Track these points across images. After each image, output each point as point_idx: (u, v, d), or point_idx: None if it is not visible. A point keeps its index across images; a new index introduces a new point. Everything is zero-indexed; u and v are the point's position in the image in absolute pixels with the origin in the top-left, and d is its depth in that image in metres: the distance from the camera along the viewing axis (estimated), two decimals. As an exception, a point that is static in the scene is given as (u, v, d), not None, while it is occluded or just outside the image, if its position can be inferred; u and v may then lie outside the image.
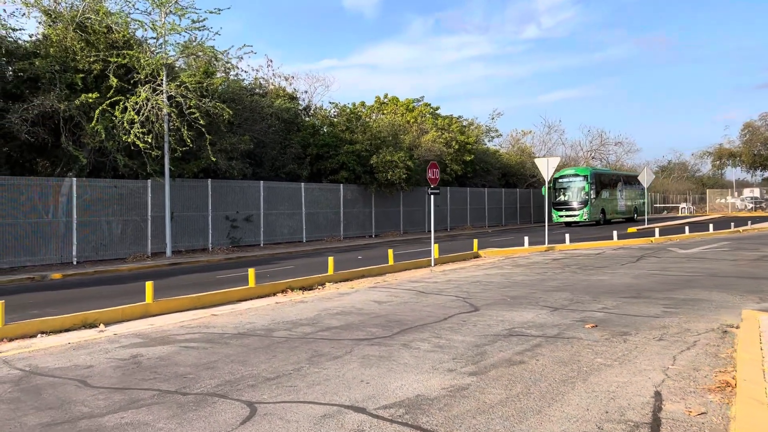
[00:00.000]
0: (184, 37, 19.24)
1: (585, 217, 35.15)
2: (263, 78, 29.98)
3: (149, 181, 19.62)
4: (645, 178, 32.04)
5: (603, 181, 37.74)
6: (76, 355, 6.72)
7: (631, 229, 29.52)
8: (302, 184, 26.20)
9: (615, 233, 22.23)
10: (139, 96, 17.86)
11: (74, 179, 17.92)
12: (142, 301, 9.78)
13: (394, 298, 10.15)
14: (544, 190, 35.42)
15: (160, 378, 5.70)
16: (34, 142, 17.75)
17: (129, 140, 17.35)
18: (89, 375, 5.89)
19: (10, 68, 18.47)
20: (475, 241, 18.38)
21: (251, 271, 11.05)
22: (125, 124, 17.36)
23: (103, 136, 17.31)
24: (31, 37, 19.31)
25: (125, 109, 17.60)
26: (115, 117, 17.47)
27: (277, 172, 26.41)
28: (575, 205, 35.47)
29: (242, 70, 36.34)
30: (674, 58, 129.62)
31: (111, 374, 5.91)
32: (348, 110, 31.78)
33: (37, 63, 17.12)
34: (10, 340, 7.63)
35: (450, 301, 9.63)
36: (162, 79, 18.68)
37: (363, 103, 36.98)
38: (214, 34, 29.40)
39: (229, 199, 22.69)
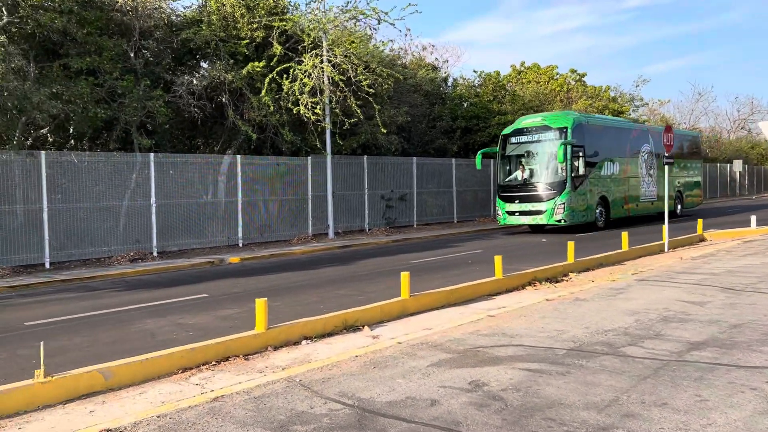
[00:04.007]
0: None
1: (559, 217, 17.35)
2: (401, 48, 27.99)
3: (309, 158, 18.24)
4: None
5: (602, 142, 18.86)
6: (389, 379, 4.92)
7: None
8: (453, 160, 24.09)
9: None
10: (306, 64, 16.35)
11: (239, 157, 16.80)
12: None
13: (704, 298, 7.74)
14: (479, 161, 19.60)
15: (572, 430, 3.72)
16: (197, 117, 16.78)
17: (300, 111, 15.89)
18: (452, 419, 4.02)
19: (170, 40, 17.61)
20: (699, 221, 15.41)
21: (497, 259, 9.01)
22: (296, 94, 15.91)
23: (271, 108, 15.98)
24: (186, 8, 18.38)
25: (295, 78, 16.15)
26: (283, 86, 16.07)
27: (425, 148, 24.46)
28: (541, 190, 17.67)
29: (380, 41, 34.52)
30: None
31: (482, 419, 4.00)
32: (493, 79, 29.17)
33: (204, 30, 16.00)
34: (275, 348, 6.02)
35: (801, 305, 7.11)
36: (324, 46, 17.08)
37: (498, 73, 34.16)
38: None
39: (381, 177, 20.99)
